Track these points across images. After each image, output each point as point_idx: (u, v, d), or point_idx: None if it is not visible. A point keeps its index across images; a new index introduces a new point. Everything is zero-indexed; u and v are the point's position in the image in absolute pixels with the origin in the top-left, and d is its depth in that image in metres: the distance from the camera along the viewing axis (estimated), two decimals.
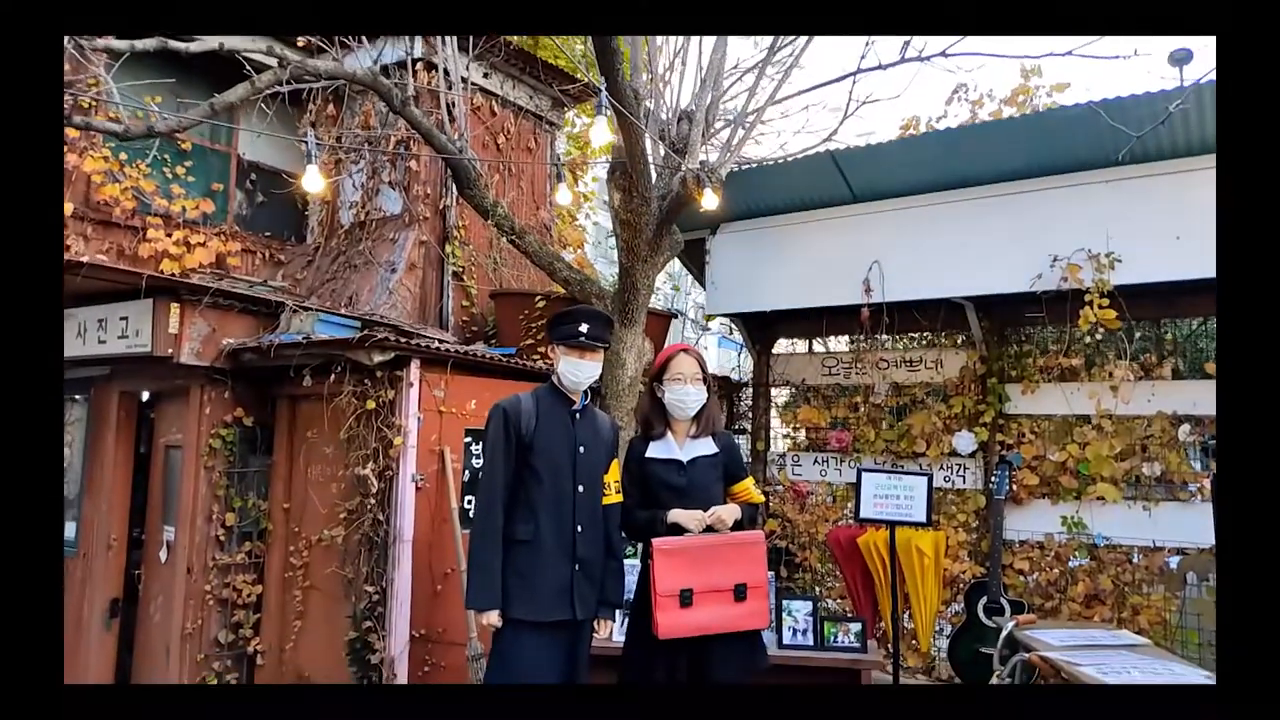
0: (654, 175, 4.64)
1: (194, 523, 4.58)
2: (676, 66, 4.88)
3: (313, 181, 4.08)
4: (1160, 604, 4.55)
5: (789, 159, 5.16)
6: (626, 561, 3.79)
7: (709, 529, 3.06)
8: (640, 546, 3.29)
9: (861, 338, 5.67)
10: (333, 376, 4.23)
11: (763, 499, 4.18)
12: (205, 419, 4.63)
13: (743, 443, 6.09)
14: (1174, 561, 4.76)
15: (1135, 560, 4.66)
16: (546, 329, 3.18)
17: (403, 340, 4.17)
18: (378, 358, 4.06)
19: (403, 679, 4.02)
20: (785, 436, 6.17)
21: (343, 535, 4.28)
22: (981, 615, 4.47)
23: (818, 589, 5.64)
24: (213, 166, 5.95)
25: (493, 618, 2.89)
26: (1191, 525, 4.44)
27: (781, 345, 6.21)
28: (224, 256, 5.69)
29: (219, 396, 4.66)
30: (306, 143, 4.15)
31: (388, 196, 5.77)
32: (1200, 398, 4.60)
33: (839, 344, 6.11)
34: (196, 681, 4.48)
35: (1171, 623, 4.58)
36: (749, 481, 3.32)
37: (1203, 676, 2.94)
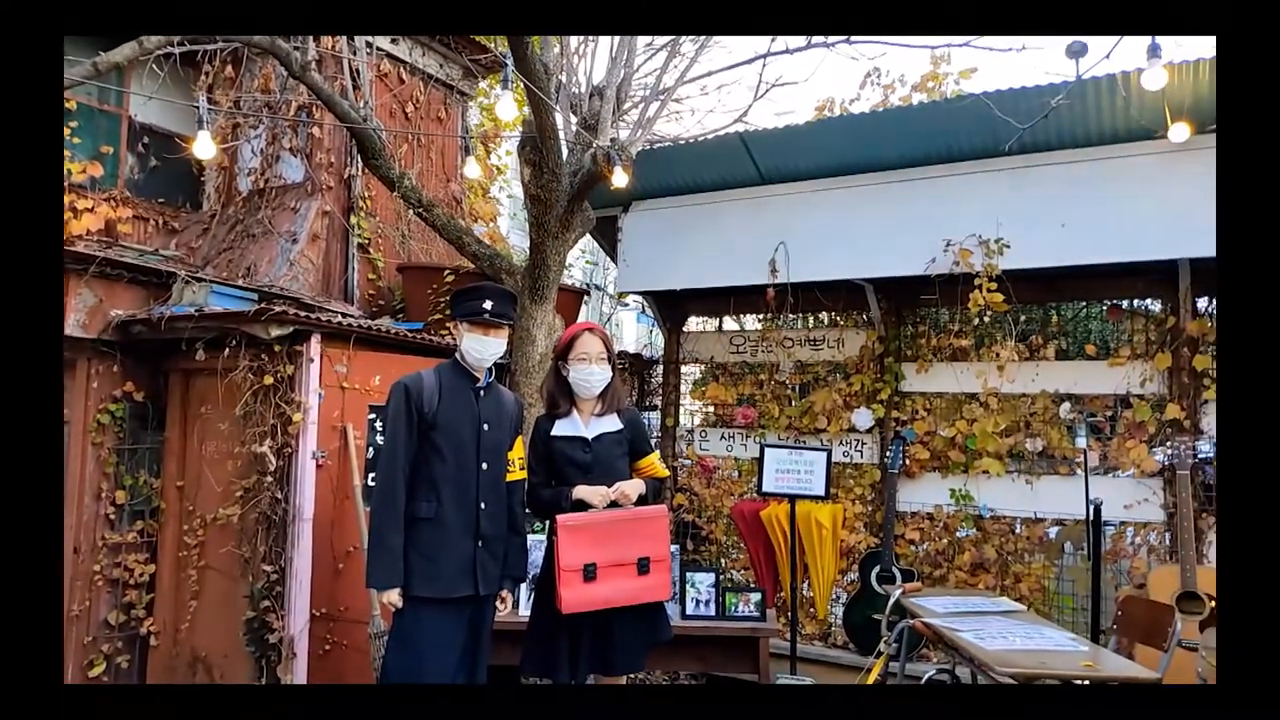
0: (565, 151, 4.62)
1: (81, 501, 4.39)
2: (588, 41, 4.86)
3: (203, 148, 3.91)
4: (1040, 572, 4.83)
5: (699, 138, 5.20)
6: (533, 538, 3.82)
7: (613, 504, 3.12)
8: (547, 523, 3.33)
9: (768, 317, 5.80)
10: (228, 350, 4.10)
11: (668, 473, 4.26)
12: (93, 394, 4.43)
13: (653, 418, 6.16)
14: (1053, 532, 5.06)
15: (1018, 531, 4.92)
16: (450, 304, 3.15)
17: (302, 314, 4.06)
18: (275, 331, 3.95)
19: (303, 658, 3.98)
20: (695, 412, 6.28)
21: (239, 514, 4.18)
22: (875, 583, 4.68)
23: (723, 561, 5.78)
24: (101, 128, 5.63)
25: (393, 596, 2.88)
26: (1070, 498, 4.70)
27: (692, 323, 6.29)
28: (114, 223, 5.40)
29: (107, 370, 4.46)
30: (198, 106, 3.97)
31: (289, 164, 5.58)
32: (1081, 377, 4.87)
33: (747, 323, 6.23)
34: (84, 664, 4.33)
35: (1050, 589, 4.87)
36: (654, 456, 3.39)
37: (1069, 639, 3.16)
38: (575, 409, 3.24)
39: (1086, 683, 3.13)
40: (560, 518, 3.04)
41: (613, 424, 3.25)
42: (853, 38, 4.16)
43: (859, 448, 5.40)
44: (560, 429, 3.22)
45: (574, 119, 4.63)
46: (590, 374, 3.18)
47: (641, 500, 3.20)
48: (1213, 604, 3.93)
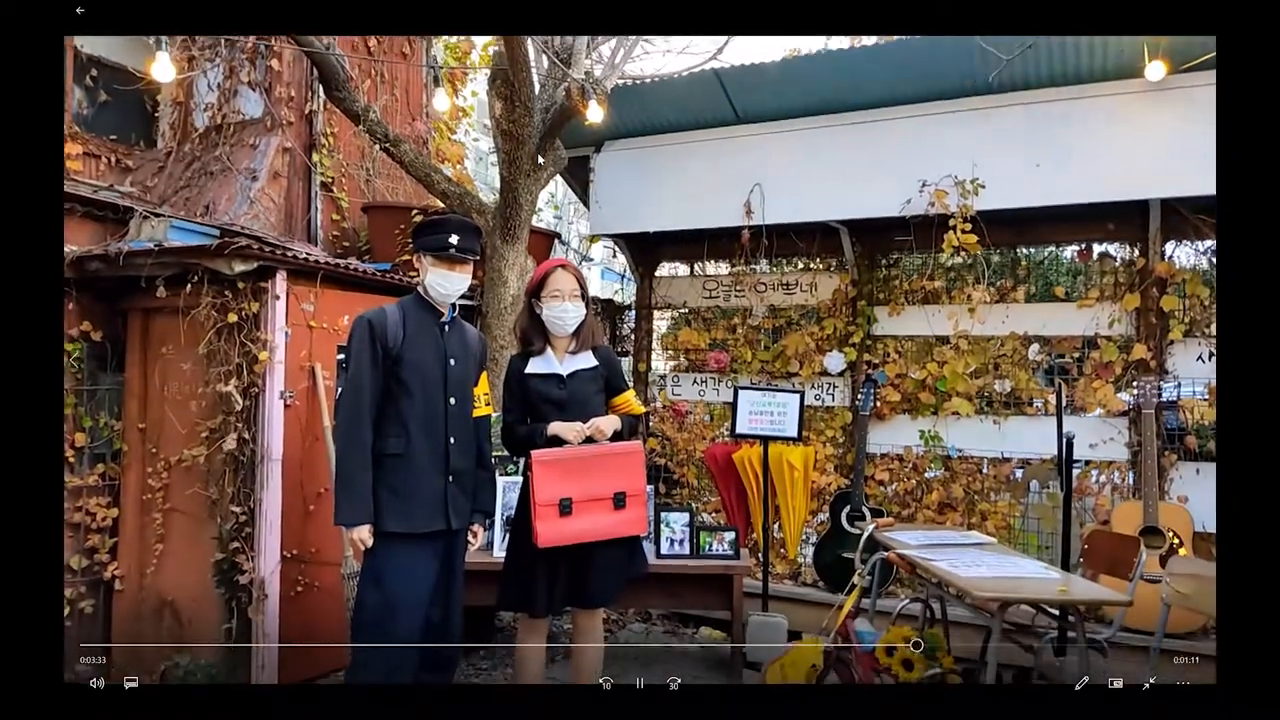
0: (537, 85, 4.50)
1: None
2: None
3: (162, 70, 3.73)
4: (1006, 510, 4.92)
5: (675, 75, 5.09)
6: (508, 478, 3.79)
7: (588, 440, 3.09)
8: (522, 461, 3.30)
9: (741, 261, 5.76)
10: (189, 287, 3.97)
11: (643, 410, 4.23)
12: None
13: (625, 363, 6.13)
14: (1019, 472, 5.14)
15: (985, 470, 4.99)
16: (412, 237, 3.06)
17: (268, 248, 3.94)
18: (239, 267, 3.83)
19: (274, 599, 3.94)
20: (667, 358, 6.26)
21: (205, 455, 4.09)
22: (845, 523, 4.73)
23: (694, 504, 5.81)
24: None
25: (363, 533, 2.83)
26: (1035, 438, 4.78)
27: (664, 268, 6.23)
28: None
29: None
30: None
31: (247, 98, 5.37)
32: (1049, 319, 4.91)
33: (719, 268, 6.18)
34: None
35: (1015, 527, 4.96)
36: (629, 393, 3.36)
37: (1042, 568, 3.22)
38: (549, 346, 3.20)
39: (1057, 612, 3.21)
40: (535, 453, 3.02)
41: (587, 361, 3.21)
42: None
43: (831, 391, 5.42)
44: (534, 366, 3.18)
45: (545, 54, 4.50)
46: (564, 311, 3.13)
47: (617, 436, 3.18)
48: (1173, 538, 4.03)
